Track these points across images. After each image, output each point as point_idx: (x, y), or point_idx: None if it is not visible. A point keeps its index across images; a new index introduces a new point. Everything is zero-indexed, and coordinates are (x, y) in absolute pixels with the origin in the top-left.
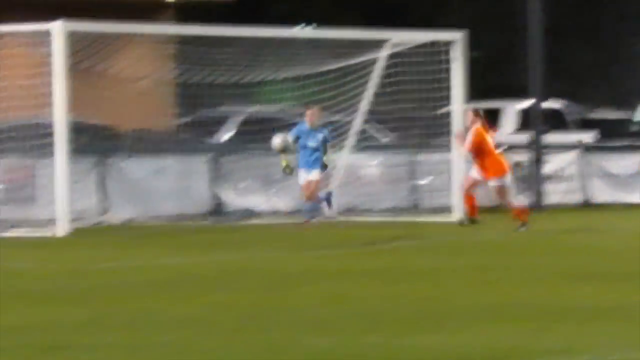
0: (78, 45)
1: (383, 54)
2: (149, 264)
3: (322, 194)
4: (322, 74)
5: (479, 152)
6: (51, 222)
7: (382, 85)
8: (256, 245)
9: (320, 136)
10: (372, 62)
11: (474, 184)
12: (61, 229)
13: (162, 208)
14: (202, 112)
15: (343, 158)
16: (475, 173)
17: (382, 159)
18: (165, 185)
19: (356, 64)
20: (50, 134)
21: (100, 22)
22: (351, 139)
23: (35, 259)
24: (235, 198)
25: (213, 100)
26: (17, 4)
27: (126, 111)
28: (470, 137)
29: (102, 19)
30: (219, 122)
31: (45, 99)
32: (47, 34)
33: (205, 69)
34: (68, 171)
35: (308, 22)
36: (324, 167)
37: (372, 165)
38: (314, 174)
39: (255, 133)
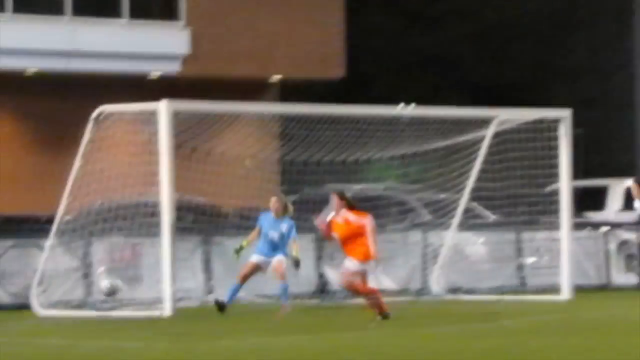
0: (183, 125)
1: (489, 132)
2: (254, 344)
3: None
4: (427, 152)
5: (349, 236)
6: (157, 301)
7: (488, 162)
8: (362, 325)
9: (284, 226)
10: (478, 140)
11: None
12: (167, 308)
13: (267, 287)
14: (307, 190)
15: (449, 236)
16: (351, 264)
17: (488, 237)
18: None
19: (462, 142)
20: (156, 213)
21: (205, 102)
22: (457, 218)
23: (142, 339)
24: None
25: (317, 179)
26: (123, 83)
27: (231, 190)
28: (351, 222)
29: (207, 98)
30: (323, 201)
31: (151, 178)
32: (153, 113)
33: (309, 147)
34: (174, 250)
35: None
36: (296, 263)
37: (478, 243)
38: (280, 257)
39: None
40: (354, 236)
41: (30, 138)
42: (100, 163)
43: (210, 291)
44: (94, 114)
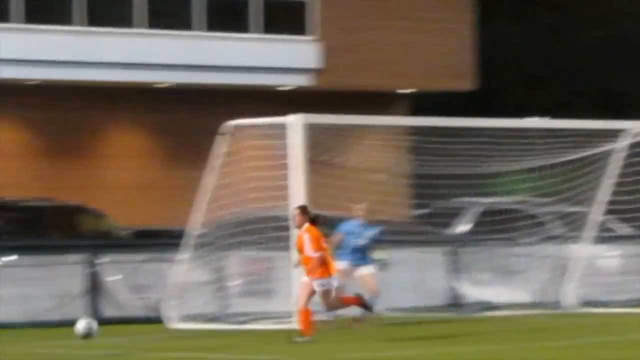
0: (316, 138)
1: (623, 143)
2: (388, 356)
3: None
4: (559, 164)
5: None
6: (289, 314)
7: (622, 174)
8: (496, 337)
9: (369, 233)
10: (611, 152)
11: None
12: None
13: (399, 300)
14: (438, 203)
15: (582, 250)
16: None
17: (621, 250)
18: (402, 277)
19: (594, 154)
20: (287, 227)
21: (337, 115)
22: (589, 231)
23: (275, 352)
24: (473, 290)
25: (449, 192)
26: (254, 96)
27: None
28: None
29: (337, 111)
30: (454, 214)
31: (282, 192)
32: (284, 126)
33: (440, 160)
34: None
35: (543, 111)
36: (383, 265)
37: (611, 256)
38: (370, 270)
39: (492, 224)
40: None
41: (162, 151)
42: (231, 176)
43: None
44: (225, 128)
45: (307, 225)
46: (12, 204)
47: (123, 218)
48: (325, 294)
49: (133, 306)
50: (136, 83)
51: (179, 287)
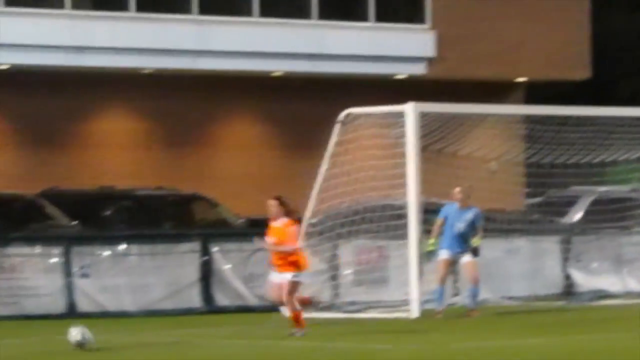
0: (430, 127)
1: None
2: (501, 345)
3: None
4: None
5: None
6: (404, 303)
7: None
8: (609, 326)
9: (470, 215)
10: None
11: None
12: (414, 310)
13: (514, 289)
14: (552, 192)
15: None
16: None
17: None
18: (516, 266)
19: None
20: (402, 216)
21: (451, 104)
22: None
23: (390, 341)
24: (587, 278)
25: (562, 181)
26: (368, 85)
27: (475, 192)
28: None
29: (451, 100)
30: (569, 203)
31: (396, 181)
32: (399, 115)
33: (555, 149)
34: (419, 253)
35: None
36: (474, 250)
37: None
38: (472, 259)
39: (606, 213)
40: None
41: (277, 141)
42: (346, 165)
43: (456, 293)
44: (340, 117)
45: (286, 219)
46: (127, 194)
47: (237, 207)
48: (294, 286)
49: (247, 295)
50: (252, 72)
51: None
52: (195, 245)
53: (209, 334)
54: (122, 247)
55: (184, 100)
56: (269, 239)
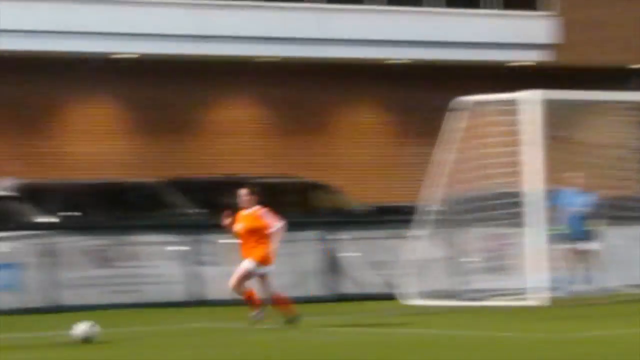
0: (551, 114)
1: None
2: (628, 334)
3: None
4: None
5: (253, 232)
6: (530, 291)
7: None
8: None
9: (588, 200)
10: None
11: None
12: (540, 298)
13: (638, 276)
14: None
15: None
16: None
17: None
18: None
19: None
20: (523, 203)
21: (573, 91)
22: None
23: (516, 329)
24: None
25: None
26: (484, 72)
27: (603, 179)
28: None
29: (574, 87)
30: None
31: (514, 168)
32: (515, 102)
33: None
34: (543, 240)
35: None
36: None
37: None
38: (592, 244)
39: None
40: (257, 234)
41: (395, 128)
42: (462, 153)
43: (580, 280)
44: (458, 104)
45: (258, 207)
46: (249, 181)
47: (357, 195)
48: (248, 276)
49: (370, 283)
50: (374, 60)
51: (415, 264)
52: (319, 233)
53: (333, 321)
54: None
55: (306, 88)
56: (237, 225)
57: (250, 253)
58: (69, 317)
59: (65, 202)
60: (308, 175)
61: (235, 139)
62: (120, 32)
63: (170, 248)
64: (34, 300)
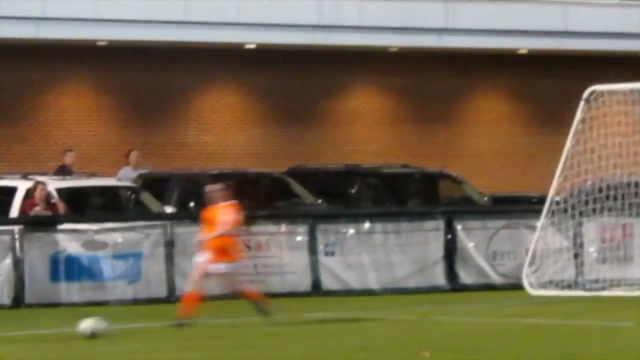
0: None
1: None
2: None
3: None
4: None
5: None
6: None
7: None
8: None
9: None
10: None
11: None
12: None
13: None
14: None
15: None
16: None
17: None
18: None
19: None
20: None
21: None
22: None
23: (632, 318)
24: None
25: None
26: (614, 62)
27: None
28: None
29: None
30: None
31: None
32: None
33: None
34: None
35: None
36: None
37: None
38: None
39: None
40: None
41: (522, 118)
42: (591, 143)
43: None
44: (585, 93)
45: (231, 202)
46: (372, 171)
47: (482, 185)
48: (229, 276)
49: (491, 273)
50: (496, 49)
51: (538, 254)
52: (440, 224)
53: (452, 311)
54: (367, 225)
55: (433, 77)
56: (212, 221)
57: (217, 252)
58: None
59: (187, 192)
60: (435, 165)
61: (359, 129)
62: (246, 22)
63: (292, 238)
64: (154, 290)
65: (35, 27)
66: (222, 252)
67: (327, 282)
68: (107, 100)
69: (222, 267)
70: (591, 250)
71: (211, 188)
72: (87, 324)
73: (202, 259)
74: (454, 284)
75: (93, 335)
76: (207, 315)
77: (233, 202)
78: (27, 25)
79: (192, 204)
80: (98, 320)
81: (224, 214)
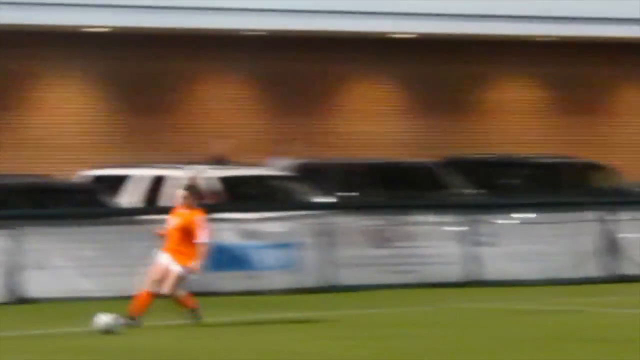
0: None
1: None
2: None
3: None
4: None
5: (183, 235)
6: None
7: None
8: None
9: None
10: None
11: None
12: None
13: None
14: None
15: None
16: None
17: None
18: None
19: None
20: None
21: None
22: None
23: None
24: None
25: None
26: None
27: None
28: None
29: None
30: None
31: None
32: None
33: None
34: None
35: None
36: None
37: None
38: None
39: None
40: (186, 236)
41: None
42: None
43: None
44: None
45: (198, 210)
46: (525, 161)
47: (634, 175)
48: (180, 280)
49: None
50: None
51: None
52: (595, 214)
53: (611, 302)
54: (522, 215)
55: (584, 66)
56: (173, 220)
57: (178, 255)
58: (345, 296)
59: (342, 181)
60: (587, 155)
61: (512, 118)
62: (398, 12)
63: (447, 228)
64: (310, 279)
65: (192, 17)
66: (183, 254)
67: (483, 272)
68: (258, 90)
69: (178, 268)
70: None
71: (177, 193)
72: (103, 319)
73: (165, 261)
74: (611, 275)
75: (107, 332)
76: (366, 305)
77: (199, 209)
78: (189, 14)
79: (348, 193)
80: (114, 316)
81: (198, 222)
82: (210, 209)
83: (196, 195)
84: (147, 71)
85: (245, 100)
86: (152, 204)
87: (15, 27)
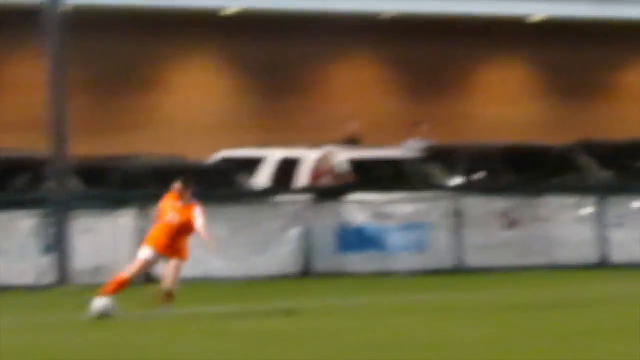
0: None
1: None
2: None
3: None
4: None
5: (189, 230)
6: None
7: None
8: None
9: None
10: None
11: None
12: None
13: None
14: None
15: None
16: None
17: None
18: None
19: None
20: None
21: None
22: None
23: None
24: None
25: None
26: None
27: None
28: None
29: None
30: None
31: None
32: None
33: None
34: None
35: None
36: None
37: None
38: None
39: None
40: (184, 229)
41: None
42: None
43: None
44: None
45: (193, 201)
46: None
47: None
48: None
49: None
50: None
51: None
52: None
53: None
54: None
55: None
56: (172, 215)
57: (171, 249)
58: (473, 278)
59: (473, 163)
60: None
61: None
62: None
63: (577, 211)
64: (439, 261)
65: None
66: (178, 250)
67: (615, 255)
68: (390, 73)
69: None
70: None
71: (175, 185)
72: (98, 304)
73: (152, 258)
74: None
75: (101, 316)
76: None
77: (195, 201)
78: None
79: (479, 176)
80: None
81: (195, 215)
82: (341, 190)
83: (191, 188)
84: (280, 54)
85: (378, 83)
86: (285, 185)
87: (154, 9)
